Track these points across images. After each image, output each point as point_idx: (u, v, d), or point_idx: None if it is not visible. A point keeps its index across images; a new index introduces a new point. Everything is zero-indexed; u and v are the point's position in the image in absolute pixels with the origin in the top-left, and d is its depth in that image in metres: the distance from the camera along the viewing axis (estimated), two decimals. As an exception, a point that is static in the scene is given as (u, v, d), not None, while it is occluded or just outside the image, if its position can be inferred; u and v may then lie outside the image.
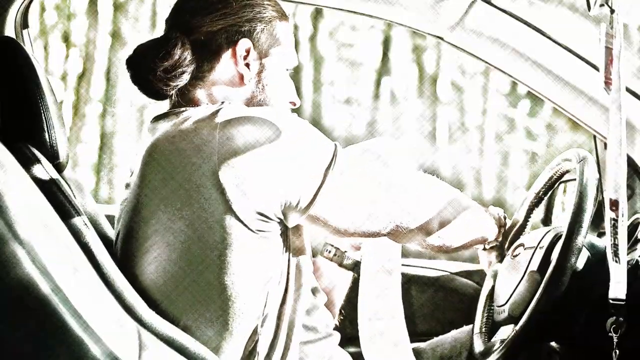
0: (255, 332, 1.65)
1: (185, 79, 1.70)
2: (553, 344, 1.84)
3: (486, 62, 2.19)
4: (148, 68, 1.67)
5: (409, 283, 2.64)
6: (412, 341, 1.98)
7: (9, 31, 2.23)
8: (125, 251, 1.67)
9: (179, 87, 1.71)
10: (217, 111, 1.60)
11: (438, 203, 1.75)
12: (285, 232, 1.67)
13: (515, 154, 7.23)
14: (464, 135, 7.22)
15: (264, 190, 1.57)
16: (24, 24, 2.29)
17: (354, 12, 2.25)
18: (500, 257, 1.98)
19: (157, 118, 1.73)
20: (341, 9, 2.24)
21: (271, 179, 1.58)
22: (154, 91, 1.71)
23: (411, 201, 1.71)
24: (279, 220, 1.63)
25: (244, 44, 1.72)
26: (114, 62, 7.31)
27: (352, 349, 1.89)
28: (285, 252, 1.68)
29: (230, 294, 1.61)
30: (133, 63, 1.70)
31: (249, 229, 1.59)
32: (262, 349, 1.66)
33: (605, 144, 2.18)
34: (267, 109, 1.67)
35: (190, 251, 1.58)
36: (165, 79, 1.67)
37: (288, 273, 1.69)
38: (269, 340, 1.66)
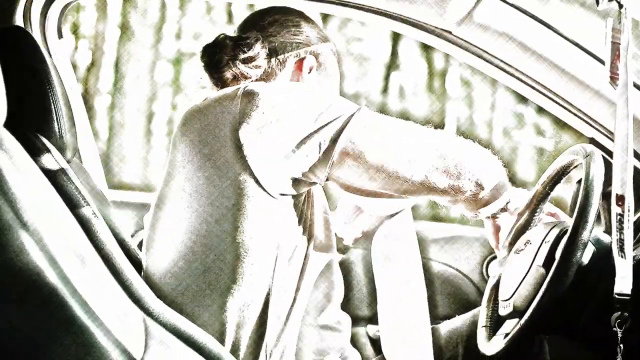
0: (266, 302, 1.67)
1: (257, 74, 1.84)
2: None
3: (494, 57, 2.19)
4: (229, 55, 1.82)
5: None
6: None
7: (18, 22, 2.24)
8: (154, 220, 1.72)
9: (249, 79, 1.84)
10: (241, 85, 1.69)
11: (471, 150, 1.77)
12: (303, 201, 1.71)
13: (523, 149, 7.21)
14: (473, 131, 7.21)
15: (285, 140, 1.63)
16: (30, 16, 2.30)
17: (362, 6, 2.26)
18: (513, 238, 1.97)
19: None
20: (348, 4, 2.25)
21: (294, 121, 1.64)
22: (224, 79, 1.85)
23: (445, 145, 1.73)
24: (303, 179, 1.66)
25: (311, 60, 1.90)
26: (123, 54, 7.32)
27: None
28: (301, 223, 1.71)
29: (240, 252, 1.64)
30: (212, 49, 1.84)
31: (264, 190, 1.63)
32: (272, 324, 1.68)
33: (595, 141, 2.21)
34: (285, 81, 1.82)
35: (207, 209, 1.63)
36: (241, 68, 1.82)
37: (308, 246, 1.73)
38: (283, 316, 1.69)
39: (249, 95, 1.64)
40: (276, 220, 1.66)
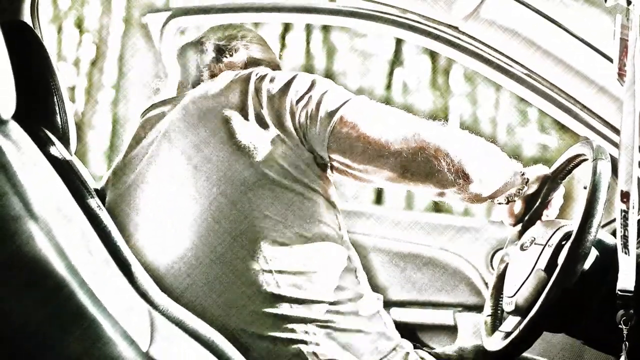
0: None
1: None
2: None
3: (499, 52, 2.20)
4: (213, 58, 2.00)
5: (398, 258, 2.91)
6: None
7: (25, 15, 2.25)
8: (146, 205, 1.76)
9: None
10: (251, 70, 1.84)
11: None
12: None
13: (527, 146, 7.22)
14: (476, 127, 7.22)
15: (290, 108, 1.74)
16: (37, 10, 2.31)
17: (366, 14, 2.28)
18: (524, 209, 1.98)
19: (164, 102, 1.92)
20: (351, 13, 2.30)
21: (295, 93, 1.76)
22: (198, 78, 1.99)
23: (428, 132, 1.72)
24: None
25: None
26: (127, 48, 7.33)
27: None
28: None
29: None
30: (197, 49, 2.02)
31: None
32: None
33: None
34: None
35: (223, 187, 1.69)
36: (219, 72, 1.98)
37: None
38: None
39: (265, 77, 1.78)
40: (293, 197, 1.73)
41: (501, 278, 1.96)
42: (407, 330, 2.87)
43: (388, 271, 2.94)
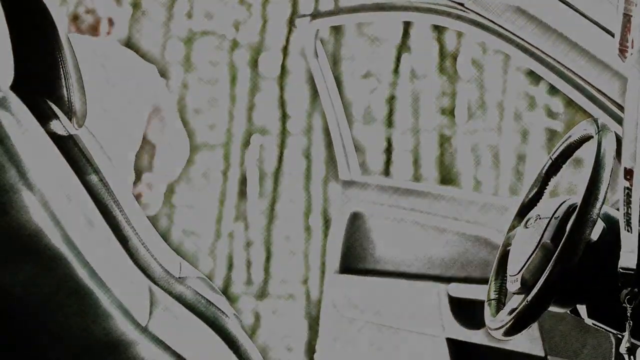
0: None
1: None
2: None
3: (508, 31, 2.18)
4: None
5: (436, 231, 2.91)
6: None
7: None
8: None
9: None
10: None
11: None
12: None
13: (534, 132, 7.20)
14: (484, 113, 7.20)
15: None
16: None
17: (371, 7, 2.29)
18: None
19: None
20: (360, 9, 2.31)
21: None
22: None
23: None
24: None
25: None
26: (135, 32, 7.33)
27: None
28: None
29: None
30: None
31: None
32: None
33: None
34: None
35: None
36: None
37: None
38: None
39: None
40: None
41: (503, 261, 1.95)
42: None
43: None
